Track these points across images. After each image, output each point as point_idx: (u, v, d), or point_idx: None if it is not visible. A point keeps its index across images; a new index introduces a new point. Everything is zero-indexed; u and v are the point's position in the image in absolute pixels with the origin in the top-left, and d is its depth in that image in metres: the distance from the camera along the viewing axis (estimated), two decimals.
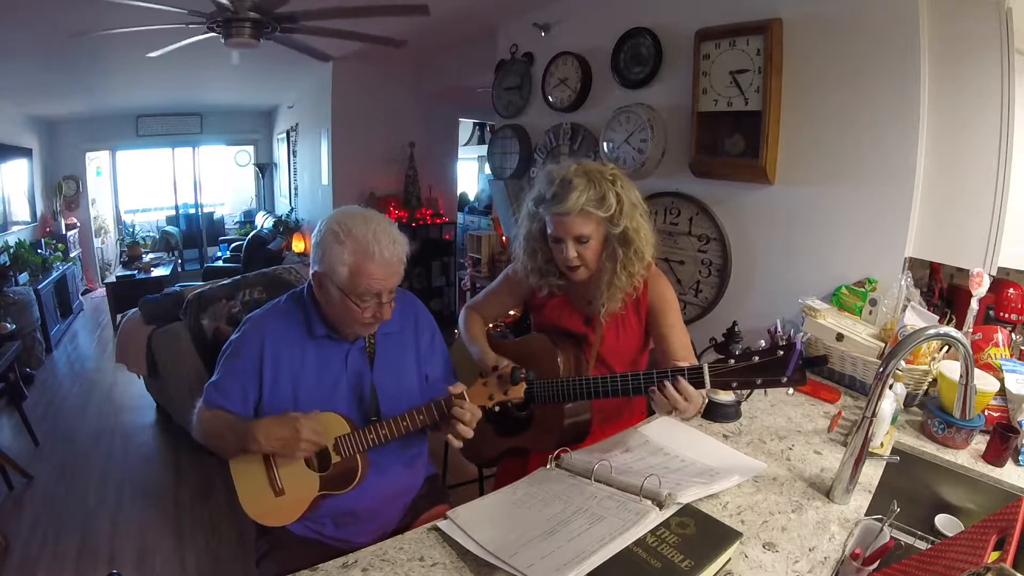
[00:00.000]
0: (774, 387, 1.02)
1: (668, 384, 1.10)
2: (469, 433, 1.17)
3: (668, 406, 1.12)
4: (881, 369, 1.05)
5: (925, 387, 1.53)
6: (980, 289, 1.58)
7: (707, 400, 1.41)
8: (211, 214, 8.65)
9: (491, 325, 1.75)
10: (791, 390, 1.64)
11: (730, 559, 0.92)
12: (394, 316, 1.28)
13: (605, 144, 2.65)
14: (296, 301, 1.28)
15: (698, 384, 1.09)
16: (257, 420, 1.16)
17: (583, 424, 1.42)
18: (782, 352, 1.00)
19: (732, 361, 1.04)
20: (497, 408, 1.21)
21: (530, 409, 1.47)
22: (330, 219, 1.17)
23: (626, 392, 1.21)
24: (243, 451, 1.17)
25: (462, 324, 1.64)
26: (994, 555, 0.80)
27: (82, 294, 6.40)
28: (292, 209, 6.78)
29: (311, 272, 1.21)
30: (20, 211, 5.64)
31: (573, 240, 1.32)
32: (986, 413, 1.38)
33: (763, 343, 1.13)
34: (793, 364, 0.98)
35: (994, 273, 1.64)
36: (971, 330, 1.59)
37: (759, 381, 1.02)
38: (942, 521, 1.22)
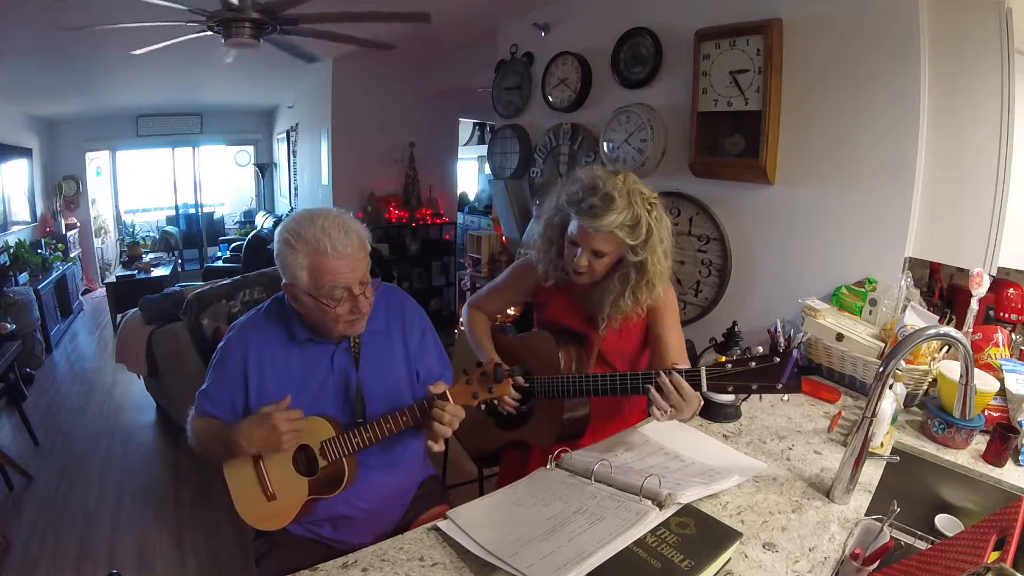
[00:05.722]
0: (769, 393, 1.04)
1: (666, 381, 1.11)
2: (447, 432, 1.15)
3: (667, 407, 1.13)
4: (881, 369, 1.05)
5: (925, 387, 1.53)
6: (980, 289, 1.58)
7: (702, 403, 1.41)
8: (211, 214, 8.64)
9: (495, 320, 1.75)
10: (786, 396, 1.64)
11: (730, 559, 0.92)
12: (379, 313, 1.26)
13: (605, 144, 2.65)
14: (278, 306, 1.26)
15: (695, 387, 1.11)
16: (237, 425, 1.15)
17: (582, 419, 1.43)
18: (779, 360, 1.02)
19: (729, 365, 1.06)
20: (483, 407, 1.20)
21: (531, 403, 1.48)
22: (280, 230, 1.15)
23: (624, 391, 1.22)
24: (232, 456, 1.18)
25: (466, 324, 1.64)
26: (994, 555, 0.80)
27: (82, 294, 6.40)
28: (292, 209, 6.77)
29: (282, 285, 1.19)
30: (20, 211, 5.63)
31: (589, 251, 1.32)
32: (986, 413, 1.38)
33: (760, 349, 1.14)
34: (789, 372, 1.00)
35: (994, 273, 1.64)
36: (971, 330, 1.59)
37: (755, 387, 1.04)
38: (942, 521, 1.22)
